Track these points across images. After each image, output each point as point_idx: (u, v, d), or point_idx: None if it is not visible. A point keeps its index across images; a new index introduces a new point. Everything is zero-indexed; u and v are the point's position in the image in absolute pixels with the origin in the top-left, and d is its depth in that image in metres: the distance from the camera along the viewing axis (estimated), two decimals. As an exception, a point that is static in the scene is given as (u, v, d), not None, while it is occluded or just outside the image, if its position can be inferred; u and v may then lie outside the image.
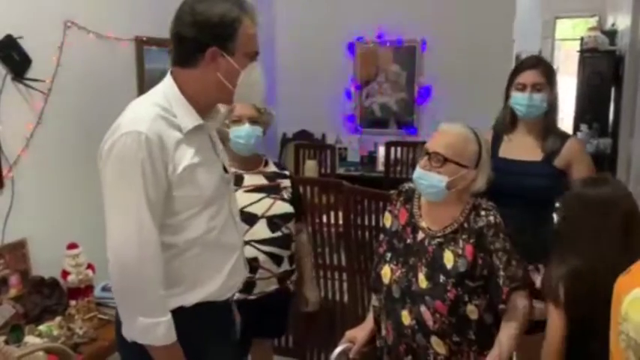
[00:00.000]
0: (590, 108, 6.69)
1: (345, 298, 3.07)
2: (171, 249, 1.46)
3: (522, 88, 2.23)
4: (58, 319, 2.58)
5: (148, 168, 1.38)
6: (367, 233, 2.88)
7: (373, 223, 2.81)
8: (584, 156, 2.23)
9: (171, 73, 1.52)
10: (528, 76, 2.23)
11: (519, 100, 2.23)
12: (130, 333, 1.45)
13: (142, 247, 1.38)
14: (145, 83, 3.53)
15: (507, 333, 1.63)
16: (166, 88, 1.51)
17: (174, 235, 1.47)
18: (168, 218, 1.46)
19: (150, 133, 1.39)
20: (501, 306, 1.64)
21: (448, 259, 1.63)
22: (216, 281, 1.56)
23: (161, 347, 1.43)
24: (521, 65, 2.32)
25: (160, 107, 1.46)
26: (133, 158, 1.37)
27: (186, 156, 1.45)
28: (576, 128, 6.65)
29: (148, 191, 1.39)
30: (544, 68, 2.26)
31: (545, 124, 2.26)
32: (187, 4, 1.46)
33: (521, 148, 2.27)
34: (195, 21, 1.43)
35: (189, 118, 1.48)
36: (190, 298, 1.52)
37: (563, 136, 2.26)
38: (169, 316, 1.44)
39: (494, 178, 2.00)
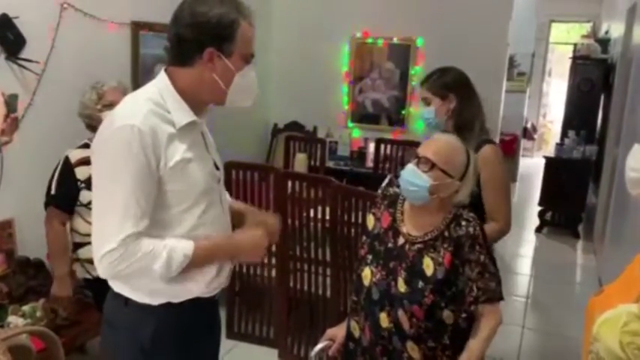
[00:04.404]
0: (579, 114, 6.77)
1: (328, 292, 3.11)
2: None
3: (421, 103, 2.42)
4: (42, 300, 2.59)
5: (141, 161, 1.40)
6: (353, 230, 2.92)
7: (359, 220, 2.85)
8: (493, 164, 2.21)
9: (166, 71, 1.54)
10: (421, 93, 2.42)
11: (419, 115, 2.43)
12: (161, 279, 1.47)
13: (125, 241, 1.39)
14: (139, 68, 3.53)
15: (477, 340, 1.67)
16: (160, 84, 1.52)
17: (165, 230, 1.48)
18: (160, 213, 1.47)
19: (143, 126, 1.40)
20: (463, 315, 1.68)
21: (427, 265, 1.67)
22: (206, 278, 1.58)
23: (191, 261, 1.47)
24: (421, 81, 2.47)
25: (153, 102, 1.47)
26: (127, 151, 1.39)
27: (179, 151, 1.47)
28: (564, 134, 6.72)
29: (138, 184, 1.40)
30: (430, 82, 2.38)
31: (454, 130, 2.32)
32: (187, 5, 1.48)
33: None
34: (195, 22, 1.45)
35: (182, 114, 1.50)
36: (179, 295, 1.54)
37: (481, 143, 2.26)
38: (168, 242, 1.46)
39: None
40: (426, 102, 2.36)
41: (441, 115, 2.34)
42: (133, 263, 1.41)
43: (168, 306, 1.53)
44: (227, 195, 1.83)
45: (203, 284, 1.58)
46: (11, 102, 2.02)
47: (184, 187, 1.49)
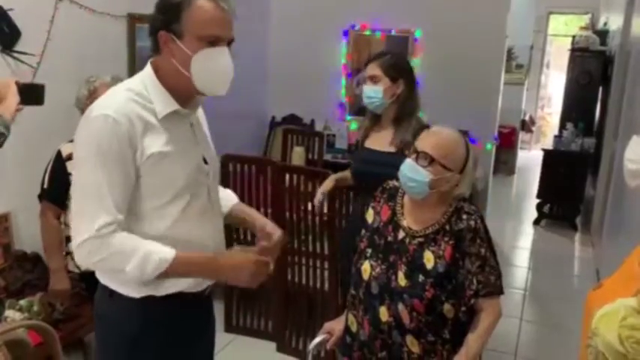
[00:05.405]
0: (577, 107, 6.76)
1: (326, 286, 3.11)
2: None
3: (364, 80, 2.40)
4: (39, 294, 2.58)
5: (115, 150, 1.38)
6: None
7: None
8: None
9: (150, 61, 1.53)
10: (368, 70, 2.39)
11: (363, 92, 2.40)
12: (136, 282, 1.44)
13: (99, 231, 1.37)
14: (135, 61, 3.51)
15: (475, 335, 1.67)
16: (144, 74, 1.51)
17: (144, 223, 1.47)
18: (138, 205, 1.46)
19: (118, 115, 1.39)
20: (462, 308, 1.67)
21: (428, 259, 1.66)
22: None
23: (170, 267, 1.42)
24: (367, 60, 2.46)
25: (133, 92, 1.46)
26: (101, 141, 1.38)
27: (156, 143, 1.44)
28: (562, 126, 6.71)
29: (112, 174, 1.38)
30: (383, 61, 2.38)
31: (395, 116, 2.35)
32: None
33: (382, 139, 2.43)
34: (155, 6, 1.46)
35: (164, 104, 1.47)
36: (162, 289, 1.50)
37: (419, 129, 2.28)
38: (146, 244, 1.41)
39: (359, 166, 2.39)
40: (374, 80, 2.34)
41: (387, 96, 2.35)
42: (107, 258, 1.39)
43: (152, 299, 1.50)
44: (227, 193, 1.80)
45: (188, 279, 1.54)
46: (39, 93, 2.05)
47: (162, 181, 1.46)
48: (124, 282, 1.49)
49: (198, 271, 1.52)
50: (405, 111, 2.36)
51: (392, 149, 2.36)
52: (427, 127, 2.32)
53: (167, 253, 1.42)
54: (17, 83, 1.99)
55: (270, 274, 1.62)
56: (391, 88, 2.35)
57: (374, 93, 2.34)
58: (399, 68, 2.38)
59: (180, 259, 1.44)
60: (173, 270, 1.44)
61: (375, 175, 2.39)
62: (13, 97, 1.99)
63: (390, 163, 2.32)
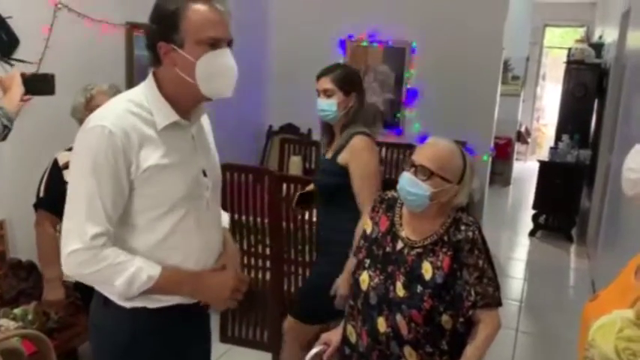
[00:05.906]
0: (573, 119, 6.80)
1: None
2: (133, 252, 1.44)
3: (318, 94, 2.43)
4: (34, 303, 2.57)
5: (110, 163, 1.37)
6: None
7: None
8: (360, 153, 2.30)
9: (152, 72, 1.52)
10: (320, 83, 2.43)
11: (317, 105, 2.43)
12: (120, 297, 1.45)
13: (91, 242, 1.36)
14: (134, 70, 3.52)
15: (473, 346, 1.67)
16: (146, 85, 1.51)
17: (136, 235, 1.46)
18: (131, 217, 1.45)
19: (114, 127, 1.38)
20: (461, 319, 1.67)
21: (426, 269, 1.67)
22: None
23: (155, 284, 1.43)
24: (319, 73, 2.48)
25: (133, 103, 1.45)
26: (95, 152, 1.37)
27: (153, 156, 1.43)
28: (558, 138, 6.75)
29: (104, 186, 1.38)
30: (334, 75, 2.41)
31: (343, 125, 2.42)
32: None
33: (332, 149, 2.47)
34: (149, 20, 1.46)
35: (164, 115, 1.46)
36: (155, 302, 1.49)
37: (353, 134, 2.36)
38: (136, 260, 1.42)
39: (314, 176, 2.51)
40: (327, 94, 2.39)
41: (340, 109, 2.39)
42: (98, 272, 1.39)
43: (144, 309, 1.48)
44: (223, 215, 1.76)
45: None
46: (49, 82, 2.07)
47: (157, 193, 1.45)
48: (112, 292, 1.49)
49: (181, 290, 1.51)
50: (352, 120, 2.41)
51: (331, 155, 2.42)
52: (364, 132, 2.37)
53: (154, 270, 1.43)
54: (23, 75, 2.00)
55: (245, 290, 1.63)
56: (344, 101, 2.39)
57: (328, 106, 2.38)
58: (350, 81, 2.42)
59: (165, 277, 1.44)
60: (157, 287, 1.44)
61: (319, 183, 2.50)
62: (17, 89, 1.99)
63: (327, 170, 2.39)
